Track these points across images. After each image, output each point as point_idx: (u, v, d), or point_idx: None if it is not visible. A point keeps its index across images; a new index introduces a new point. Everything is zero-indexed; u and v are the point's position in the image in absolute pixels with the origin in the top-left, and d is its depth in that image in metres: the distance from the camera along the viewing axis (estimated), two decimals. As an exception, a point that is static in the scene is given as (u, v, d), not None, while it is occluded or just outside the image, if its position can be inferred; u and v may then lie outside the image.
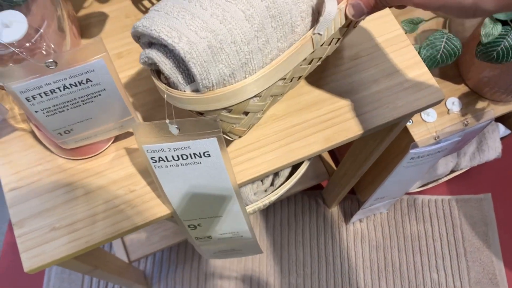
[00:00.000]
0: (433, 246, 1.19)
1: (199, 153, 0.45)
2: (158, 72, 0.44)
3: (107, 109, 0.44)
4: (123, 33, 0.62)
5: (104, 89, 0.41)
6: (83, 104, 0.42)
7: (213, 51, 0.38)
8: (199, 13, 0.38)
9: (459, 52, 0.81)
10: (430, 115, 0.88)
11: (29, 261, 0.50)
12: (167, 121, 0.42)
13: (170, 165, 0.47)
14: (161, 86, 0.42)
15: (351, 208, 1.21)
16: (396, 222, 1.20)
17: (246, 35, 0.40)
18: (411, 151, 0.81)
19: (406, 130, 0.87)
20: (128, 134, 0.56)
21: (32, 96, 0.38)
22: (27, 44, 0.37)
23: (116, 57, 0.60)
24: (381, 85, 0.60)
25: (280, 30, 0.42)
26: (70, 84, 0.39)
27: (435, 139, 0.83)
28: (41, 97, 0.39)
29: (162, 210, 0.53)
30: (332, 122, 0.58)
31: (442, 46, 0.80)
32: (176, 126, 0.42)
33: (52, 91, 0.38)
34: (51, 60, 0.36)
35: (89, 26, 0.63)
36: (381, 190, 0.99)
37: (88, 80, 0.39)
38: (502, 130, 1.10)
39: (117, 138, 0.56)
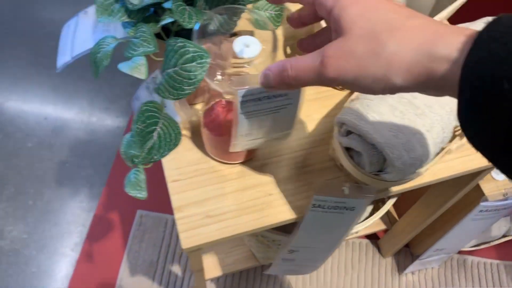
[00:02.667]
0: (481, 307, 1.24)
1: (347, 207, 0.57)
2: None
3: (282, 121, 0.56)
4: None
5: (291, 103, 0.53)
6: (272, 113, 0.54)
7: (410, 168, 0.55)
8: (413, 139, 0.54)
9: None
10: (500, 173, 0.98)
11: (187, 240, 0.60)
12: (348, 185, 0.56)
13: (322, 211, 0.58)
14: (353, 164, 0.57)
15: (405, 260, 1.29)
16: (446, 278, 1.27)
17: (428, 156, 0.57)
18: (482, 203, 0.91)
19: (476, 185, 0.97)
20: (272, 147, 0.68)
21: (246, 100, 0.51)
22: (256, 62, 0.50)
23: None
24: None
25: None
26: (273, 95, 0.51)
27: (504, 196, 0.93)
28: (250, 102, 0.51)
29: (290, 215, 0.64)
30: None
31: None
32: (349, 188, 0.56)
33: (259, 98, 0.51)
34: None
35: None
36: (443, 241, 1.07)
37: (285, 94, 0.52)
38: (553, 202, 1.19)
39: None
